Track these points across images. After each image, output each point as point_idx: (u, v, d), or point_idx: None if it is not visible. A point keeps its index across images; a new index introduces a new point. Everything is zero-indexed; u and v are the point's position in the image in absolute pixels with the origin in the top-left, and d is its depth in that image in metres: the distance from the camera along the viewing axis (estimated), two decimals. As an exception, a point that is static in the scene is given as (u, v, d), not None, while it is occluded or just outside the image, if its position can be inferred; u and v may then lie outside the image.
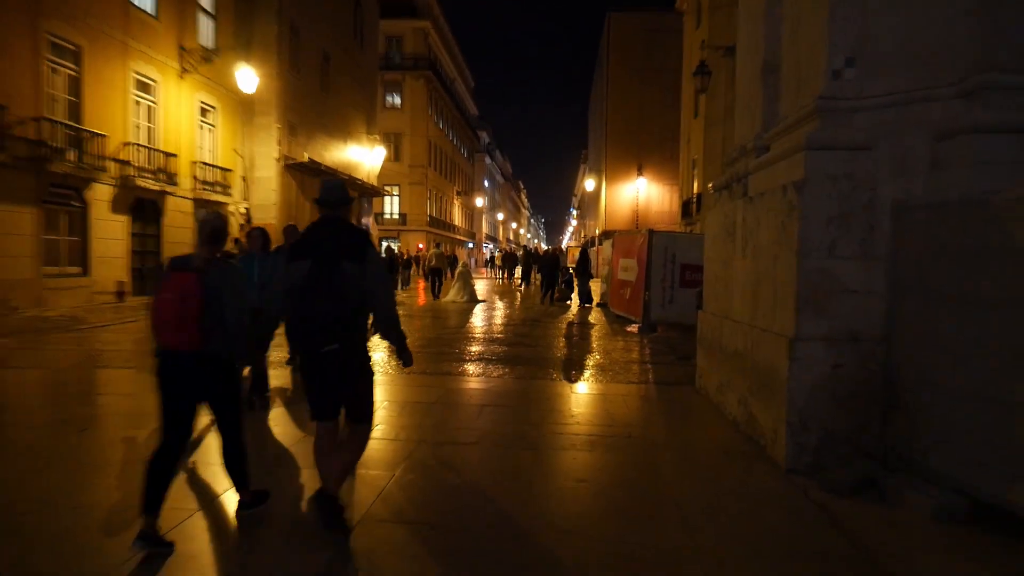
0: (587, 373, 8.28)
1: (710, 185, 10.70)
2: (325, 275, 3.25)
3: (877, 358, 4.43)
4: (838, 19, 4.51)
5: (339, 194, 3.55)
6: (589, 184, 56.79)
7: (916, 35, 4.43)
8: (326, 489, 3.47)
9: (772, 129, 5.59)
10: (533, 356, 9.62)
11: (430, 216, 46.97)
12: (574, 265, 21.87)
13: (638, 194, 43.75)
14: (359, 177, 31.53)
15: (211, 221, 3.43)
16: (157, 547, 3.15)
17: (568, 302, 19.93)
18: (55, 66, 14.96)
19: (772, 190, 5.02)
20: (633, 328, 13.47)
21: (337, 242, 3.34)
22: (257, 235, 6.35)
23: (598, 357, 9.63)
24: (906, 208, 4.29)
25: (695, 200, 28.57)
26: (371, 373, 3.53)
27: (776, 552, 3.39)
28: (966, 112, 4.21)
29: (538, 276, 29.55)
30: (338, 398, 3.45)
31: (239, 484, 3.64)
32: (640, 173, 43.36)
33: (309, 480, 4.12)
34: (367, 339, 3.52)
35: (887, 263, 4.40)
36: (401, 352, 3.60)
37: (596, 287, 23.20)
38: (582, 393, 7.17)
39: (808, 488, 4.19)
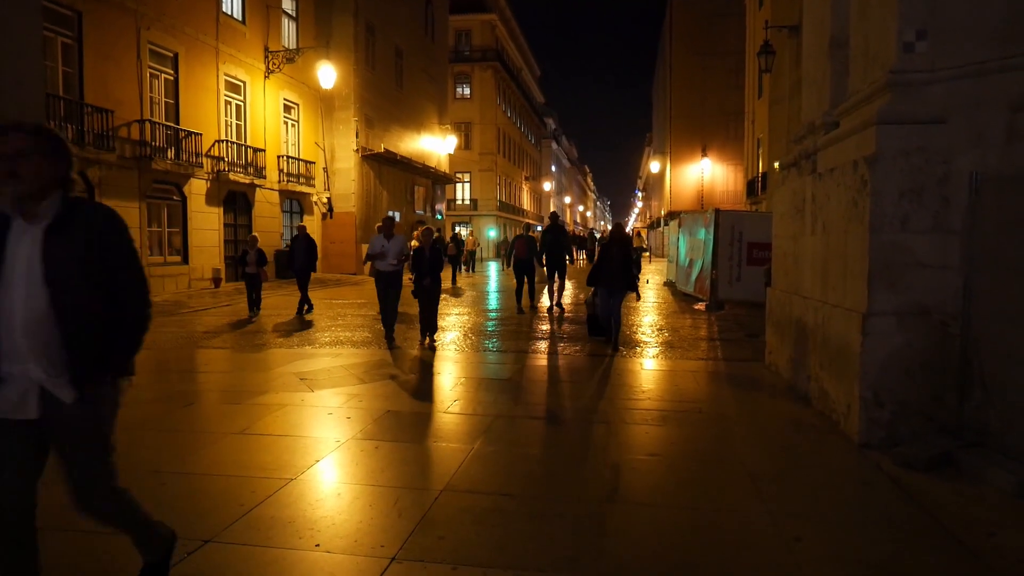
0: (656, 350, 8.39)
1: (776, 164, 10.52)
2: (558, 240, 12.45)
3: (952, 332, 4.37)
4: (908, -9, 4.44)
5: (558, 216, 13.18)
6: (654, 166, 55.85)
7: (989, 5, 4.31)
8: (554, 303, 12.54)
9: (841, 105, 5.52)
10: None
11: (500, 201, 47.54)
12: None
13: (703, 175, 42.99)
14: (431, 165, 32.33)
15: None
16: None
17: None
18: (155, 72, 16.20)
19: (842, 166, 5.00)
20: (700, 307, 13.45)
21: (562, 230, 12.80)
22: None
23: (667, 335, 9.70)
24: (983, 181, 4.20)
25: (760, 179, 27.71)
26: (566, 266, 12.74)
27: (850, 523, 3.36)
28: (1046, 81, 4.07)
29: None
30: (554, 270, 12.37)
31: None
32: (704, 154, 42.59)
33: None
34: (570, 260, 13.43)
35: (962, 237, 4.33)
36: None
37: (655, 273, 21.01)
38: (652, 369, 7.30)
39: (882, 462, 4.17)
